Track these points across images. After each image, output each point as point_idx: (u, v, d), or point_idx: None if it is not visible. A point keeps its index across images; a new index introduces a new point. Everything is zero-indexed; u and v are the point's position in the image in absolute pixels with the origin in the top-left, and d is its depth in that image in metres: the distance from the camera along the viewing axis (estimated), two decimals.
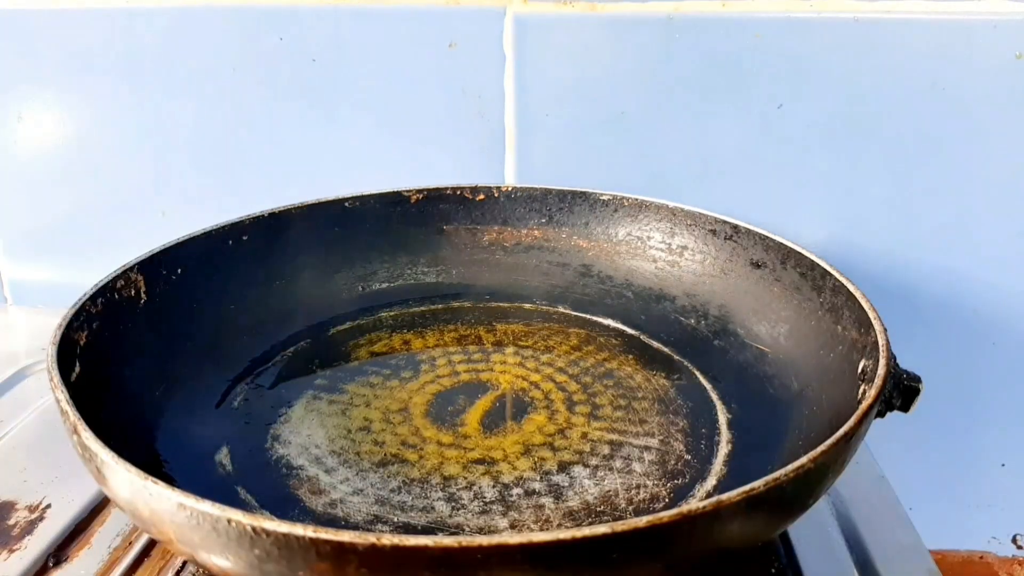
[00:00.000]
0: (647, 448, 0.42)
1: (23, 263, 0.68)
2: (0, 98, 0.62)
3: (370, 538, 0.25)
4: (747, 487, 0.27)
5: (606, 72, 0.56)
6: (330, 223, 0.55)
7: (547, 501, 0.38)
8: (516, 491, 0.39)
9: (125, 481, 0.29)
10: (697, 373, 0.49)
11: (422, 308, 0.56)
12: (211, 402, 0.45)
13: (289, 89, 0.59)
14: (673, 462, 0.41)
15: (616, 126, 0.57)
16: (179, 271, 0.47)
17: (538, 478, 0.40)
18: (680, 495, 0.39)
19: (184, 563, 0.38)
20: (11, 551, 0.39)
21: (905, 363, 0.37)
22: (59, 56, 0.60)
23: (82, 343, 0.39)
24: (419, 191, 0.57)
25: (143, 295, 0.45)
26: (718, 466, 0.41)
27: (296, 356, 0.50)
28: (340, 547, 0.25)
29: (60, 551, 0.39)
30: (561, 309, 0.56)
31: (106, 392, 0.39)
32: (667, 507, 0.38)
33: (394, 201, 0.57)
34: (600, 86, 0.57)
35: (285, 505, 0.38)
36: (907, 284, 0.58)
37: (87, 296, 0.41)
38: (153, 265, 0.46)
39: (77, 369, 0.37)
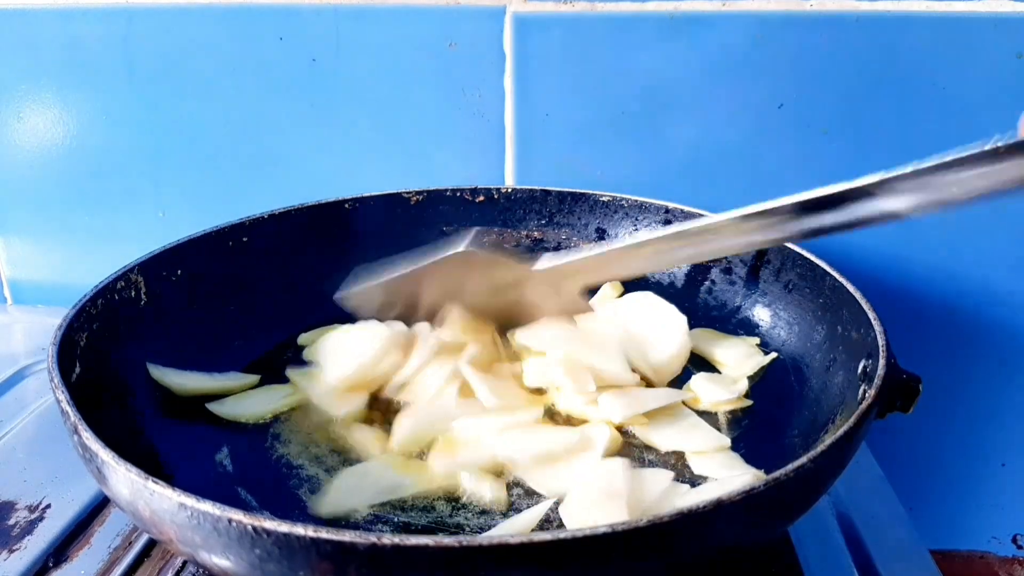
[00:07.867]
0: (648, 448, 0.42)
1: (23, 263, 0.68)
2: (0, 98, 0.62)
3: (370, 538, 0.25)
4: (747, 487, 0.28)
5: (606, 72, 0.56)
6: (330, 224, 0.55)
7: (547, 501, 0.38)
8: (516, 491, 0.39)
9: (125, 481, 0.29)
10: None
11: None
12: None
13: (289, 89, 0.59)
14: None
15: (616, 126, 0.57)
16: (179, 272, 0.47)
17: None
18: None
19: (184, 563, 0.38)
20: (11, 551, 0.39)
21: (905, 363, 0.37)
22: (59, 56, 0.60)
23: (82, 343, 0.39)
24: (419, 192, 0.57)
25: (143, 296, 0.45)
26: None
27: (296, 356, 0.50)
28: (341, 547, 0.25)
29: (60, 551, 0.39)
30: None
31: (106, 392, 0.39)
32: None
33: (394, 202, 0.57)
34: (600, 86, 0.57)
35: (285, 505, 0.38)
36: (907, 284, 0.58)
37: (87, 296, 0.41)
38: (153, 265, 0.46)
39: (77, 369, 0.37)
